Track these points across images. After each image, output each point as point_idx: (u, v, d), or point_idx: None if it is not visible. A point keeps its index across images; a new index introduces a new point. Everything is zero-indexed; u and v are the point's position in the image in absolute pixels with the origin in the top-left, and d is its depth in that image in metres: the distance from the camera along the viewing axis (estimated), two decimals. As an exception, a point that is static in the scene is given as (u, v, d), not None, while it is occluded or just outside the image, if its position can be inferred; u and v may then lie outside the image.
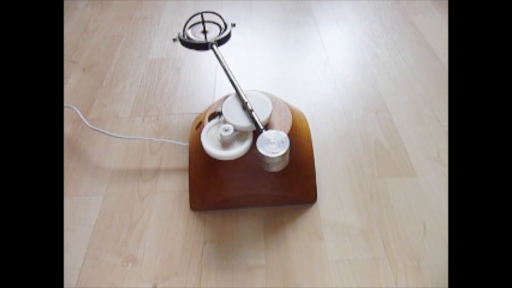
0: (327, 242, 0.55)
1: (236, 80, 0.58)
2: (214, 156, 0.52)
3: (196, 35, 0.69)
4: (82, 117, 0.71)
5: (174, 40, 0.68)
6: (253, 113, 0.52)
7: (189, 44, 0.67)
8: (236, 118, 0.53)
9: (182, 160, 0.67)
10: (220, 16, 0.69)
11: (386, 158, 0.66)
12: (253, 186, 0.56)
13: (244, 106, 0.54)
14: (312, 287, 0.50)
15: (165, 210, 0.60)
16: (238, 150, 0.51)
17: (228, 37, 0.68)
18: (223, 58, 0.62)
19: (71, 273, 0.53)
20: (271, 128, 0.56)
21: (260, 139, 0.47)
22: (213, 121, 0.56)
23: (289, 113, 0.58)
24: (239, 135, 0.53)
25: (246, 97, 0.54)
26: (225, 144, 0.52)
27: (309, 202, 0.60)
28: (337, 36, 0.96)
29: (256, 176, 0.55)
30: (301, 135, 0.58)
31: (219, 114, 0.56)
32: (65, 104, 0.77)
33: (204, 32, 0.70)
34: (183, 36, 0.68)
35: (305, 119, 0.64)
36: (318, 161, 0.65)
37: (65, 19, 1.08)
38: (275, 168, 0.46)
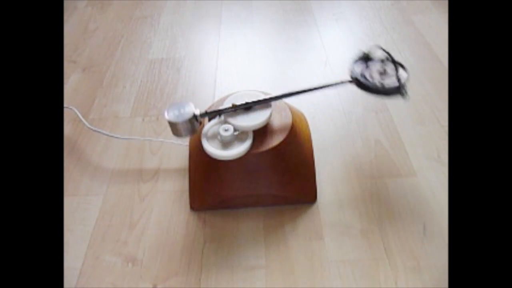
0: (327, 242, 0.55)
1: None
2: (214, 156, 0.52)
3: (371, 74, 0.56)
4: (82, 118, 0.71)
5: (364, 55, 0.57)
6: (236, 108, 0.53)
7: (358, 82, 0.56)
8: (236, 118, 0.53)
9: (182, 160, 0.67)
10: (396, 66, 0.55)
11: (386, 158, 0.66)
12: (253, 186, 0.56)
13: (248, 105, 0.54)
14: (312, 287, 0.50)
15: (165, 210, 0.60)
16: (238, 150, 0.51)
17: (386, 92, 0.54)
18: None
19: (71, 273, 0.53)
20: (271, 128, 0.56)
21: (176, 103, 0.52)
22: (213, 121, 0.56)
23: (289, 113, 0.58)
24: (239, 135, 0.53)
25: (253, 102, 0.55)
26: (225, 144, 0.52)
27: (309, 202, 0.60)
28: (337, 36, 0.96)
29: (256, 176, 0.55)
30: (301, 135, 0.58)
31: (219, 114, 0.56)
32: (64, 105, 0.77)
33: (383, 73, 0.56)
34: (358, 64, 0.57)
35: (305, 119, 0.64)
36: (318, 161, 0.65)
37: (65, 19, 1.08)
38: (172, 130, 0.52)
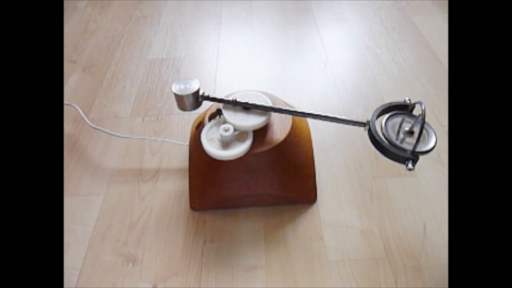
0: (327, 242, 0.55)
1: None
2: (214, 156, 0.52)
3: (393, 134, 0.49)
4: (83, 116, 0.71)
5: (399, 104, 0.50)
6: (236, 104, 0.54)
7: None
8: (236, 118, 0.53)
9: (182, 160, 0.67)
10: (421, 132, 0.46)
11: (386, 158, 0.65)
12: (253, 186, 0.56)
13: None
14: (312, 287, 0.50)
15: (165, 210, 0.60)
16: (238, 150, 0.51)
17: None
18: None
19: (71, 273, 0.53)
20: (271, 128, 0.56)
21: (182, 79, 0.55)
22: (213, 121, 0.56)
23: (289, 113, 0.58)
24: (239, 135, 0.53)
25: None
26: (225, 144, 0.52)
27: (309, 202, 0.60)
28: (337, 36, 0.96)
29: (256, 176, 0.55)
30: (301, 135, 0.58)
31: (219, 114, 0.56)
32: (67, 102, 0.77)
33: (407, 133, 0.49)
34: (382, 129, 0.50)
35: (305, 119, 0.64)
36: (318, 161, 0.64)
37: (65, 19, 1.08)
38: (178, 105, 0.55)
